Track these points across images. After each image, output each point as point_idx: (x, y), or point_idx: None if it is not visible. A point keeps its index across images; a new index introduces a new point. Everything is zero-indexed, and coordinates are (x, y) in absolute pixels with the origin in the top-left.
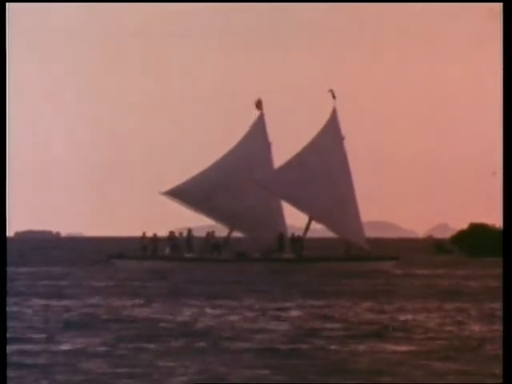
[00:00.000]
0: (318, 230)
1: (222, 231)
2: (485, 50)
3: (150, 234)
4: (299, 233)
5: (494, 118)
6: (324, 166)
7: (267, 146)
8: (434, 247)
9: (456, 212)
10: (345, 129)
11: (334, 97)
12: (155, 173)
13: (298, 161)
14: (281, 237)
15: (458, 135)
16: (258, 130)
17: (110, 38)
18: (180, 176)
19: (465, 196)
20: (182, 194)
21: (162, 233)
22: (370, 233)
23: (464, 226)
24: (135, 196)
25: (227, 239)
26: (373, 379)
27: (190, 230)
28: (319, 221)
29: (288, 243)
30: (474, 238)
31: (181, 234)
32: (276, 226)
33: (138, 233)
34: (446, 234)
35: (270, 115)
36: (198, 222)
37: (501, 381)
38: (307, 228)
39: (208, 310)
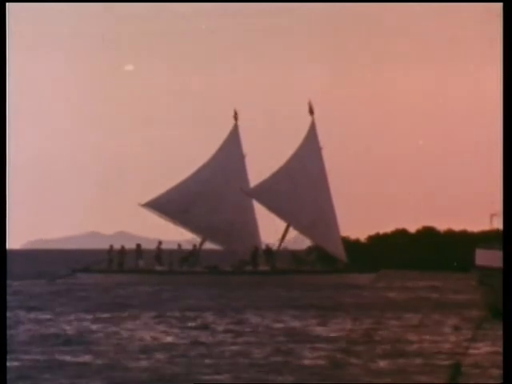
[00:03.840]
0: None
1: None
2: (484, 52)
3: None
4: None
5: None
6: (307, 177)
7: (241, 157)
8: (293, 259)
9: None
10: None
11: (311, 112)
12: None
13: (284, 172)
14: (255, 250)
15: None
16: (233, 141)
17: (108, 40)
18: (158, 187)
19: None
20: (161, 205)
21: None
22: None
23: None
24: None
25: (197, 252)
26: None
27: (160, 243)
28: (304, 233)
29: (262, 255)
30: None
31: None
32: (252, 239)
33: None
34: (302, 246)
35: (245, 126)
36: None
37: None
38: (283, 239)
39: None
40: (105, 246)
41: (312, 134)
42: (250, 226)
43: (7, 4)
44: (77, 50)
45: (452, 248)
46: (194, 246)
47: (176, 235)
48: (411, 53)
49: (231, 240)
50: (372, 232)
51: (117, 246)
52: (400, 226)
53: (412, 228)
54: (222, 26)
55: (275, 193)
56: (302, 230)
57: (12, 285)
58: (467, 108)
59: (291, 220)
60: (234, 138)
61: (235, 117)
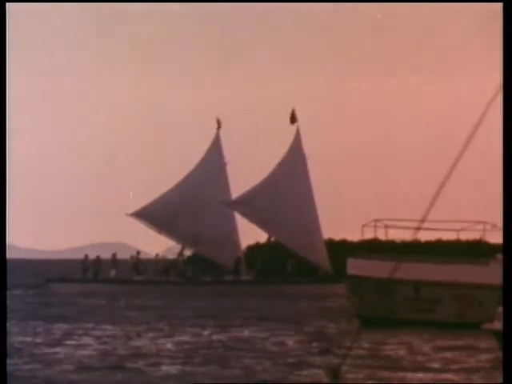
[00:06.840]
0: None
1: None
2: (484, 53)
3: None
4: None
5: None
6: (292, 189)
7: (223, 166)
8: (163, 270)
9: None
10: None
11: (294, 121)
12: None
13: (268, 184)
14: (237, 259)
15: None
16: (215, 150)
17: (107, 42)
18: (144, 196)
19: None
20: (147, 215)
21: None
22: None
23: None
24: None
25: (177, 261)
26: None
27: (138, 252)
28: (286, 244)
29: (244, 265)
30: None
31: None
32: (234, 249)
33: None
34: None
35: (228, 133)
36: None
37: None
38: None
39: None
40: None
41: (297, 144)
42: (232, 236)
43: (7, 4)
44: (76, 51)
45: (332, 257)
46: (178, 255)
47: (66, 244)
48: (409, 54)
49: (214, 250)
50: (252, 242)
51: None
52: None
53: None
54: (206, 34)
55: (257, 204)
56: (284, 240)
57: None
58: (466, 111)
59: (272, 231)
60: (215, 146)
61: (218, 125)
